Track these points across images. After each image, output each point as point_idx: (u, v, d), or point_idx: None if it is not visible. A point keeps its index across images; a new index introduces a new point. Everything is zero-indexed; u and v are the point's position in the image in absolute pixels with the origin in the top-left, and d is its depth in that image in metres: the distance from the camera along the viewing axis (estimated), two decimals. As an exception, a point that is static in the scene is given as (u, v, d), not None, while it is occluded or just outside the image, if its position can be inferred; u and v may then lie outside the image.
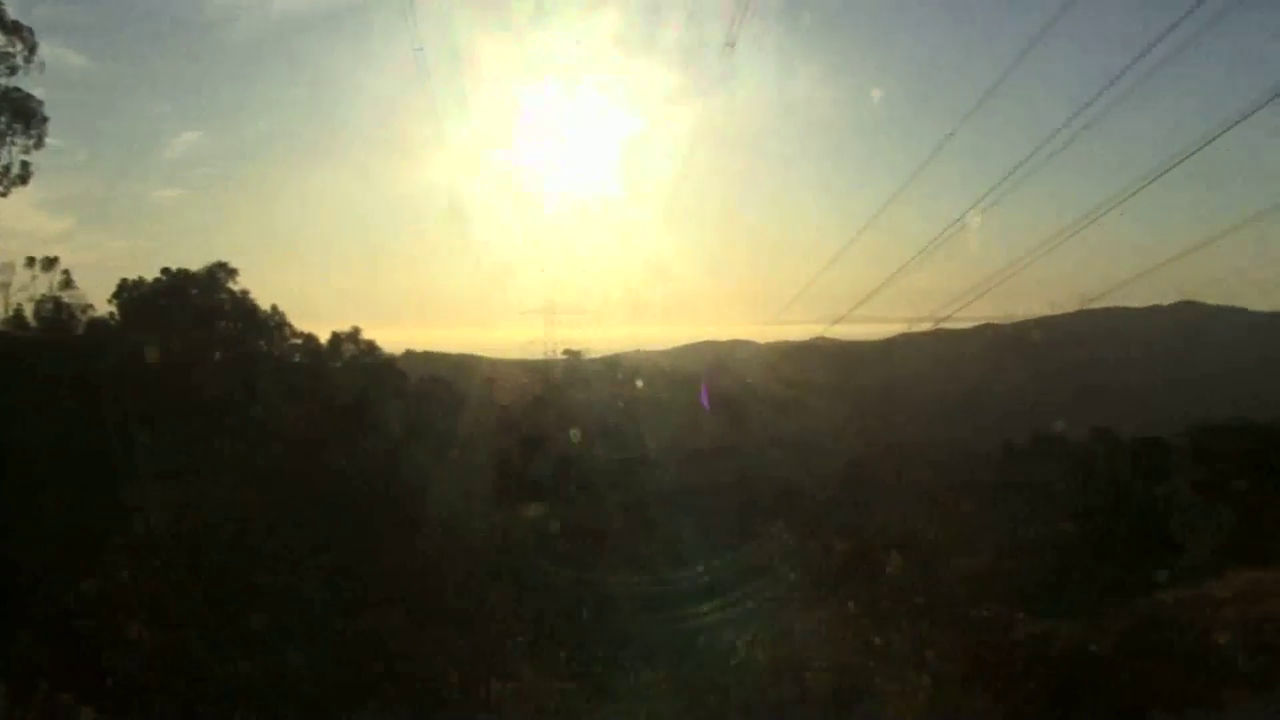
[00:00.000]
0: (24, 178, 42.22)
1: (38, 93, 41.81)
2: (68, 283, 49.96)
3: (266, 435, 40.97)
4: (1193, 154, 17.45)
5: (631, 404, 62.43)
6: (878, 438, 74.74)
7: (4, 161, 41.58)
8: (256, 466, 35.70)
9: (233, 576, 21.34)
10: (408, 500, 37.26)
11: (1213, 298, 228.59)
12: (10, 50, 40.66)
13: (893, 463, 63.75)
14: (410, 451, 44.26)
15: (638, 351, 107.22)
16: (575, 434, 51.33)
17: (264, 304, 55.87)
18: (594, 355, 74.90)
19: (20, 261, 49.09)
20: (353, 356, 58.25)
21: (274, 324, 56.32)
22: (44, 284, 49.53)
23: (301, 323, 57.57)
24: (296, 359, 57.25)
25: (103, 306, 51.88)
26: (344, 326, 58.53)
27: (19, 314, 49.46)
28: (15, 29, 40.74)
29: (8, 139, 41.44)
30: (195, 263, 55.06)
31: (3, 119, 41.04)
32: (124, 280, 53.17)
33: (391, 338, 68.38)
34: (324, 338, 58.12)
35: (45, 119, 42.12)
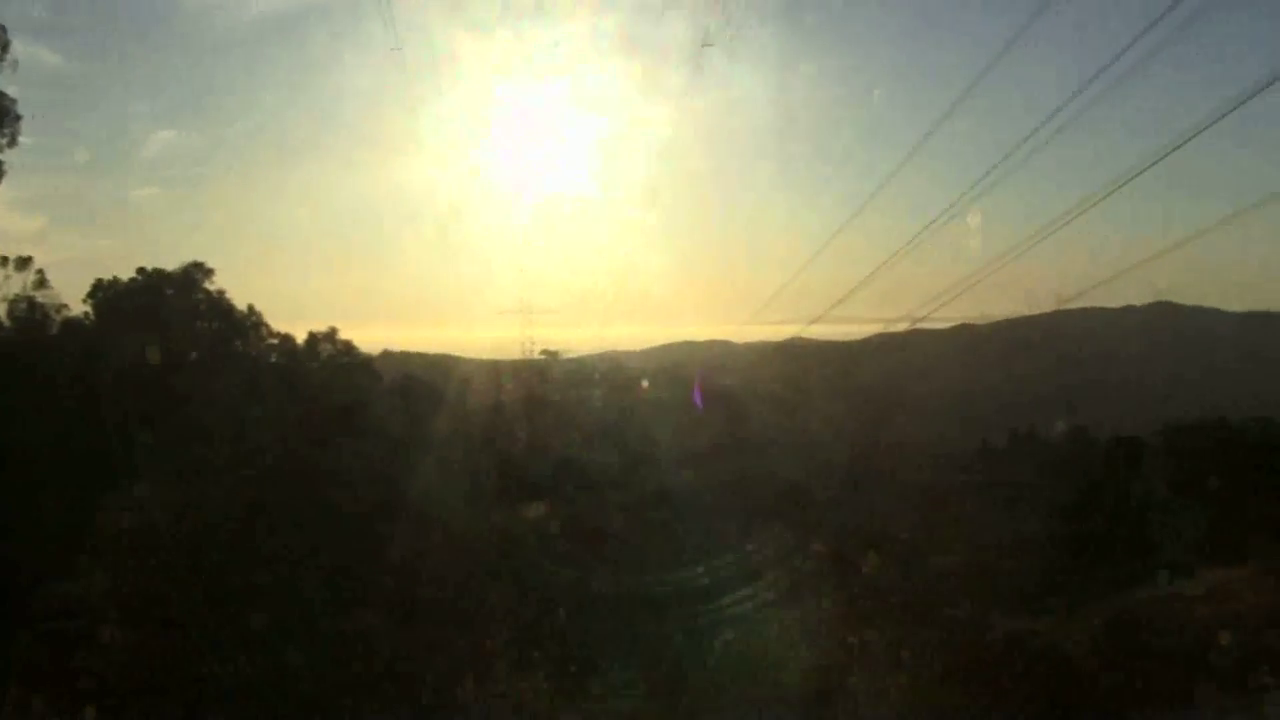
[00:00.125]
0: (-3, 176, 41.82)
1: (11, 91, 41.38)
2: (42, 282, 49.43)
3: (242, 436, 40.75)
4: (1167, 155, 17.51)
5: (608, 404, 62.39)
6: (855, 438, 74.89)
7: (-23, 160, 41.15)
8: (232, 467, 35.49)
9: (205, 578, 21.25)
10: (385, 499, 37.13)
11: (1187, 298, 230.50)
12: (-17, 48, 40.27)
13: (870, 463, 63.91)
14: (387, 449, 44.11)
15: (615, 352, 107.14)
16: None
17: (241, 304, 55.52)
18: (571, 355, 74.68)
19: (-6, 261, 48.55)
20: (330, 356, 57.96)
21: (251, 324, 55.96)
22: (17, 284, 48.94)
23: (278, 323, 57.23)
24: (273, 359, 56.93)
25: (77, 306, 51.40)
26: (321, 326, 58.22)
27: (-8, 314, 48.99)
28: (-13, 27, 40.36)
29: (-19, 137, 41.04)
30: (171, 262, 54.55)
31: (-25, 117, 40.65)
32: (99, 280, 52.69)
33: (369, 337, 68.05)
34: (301, 338, 57.81)
35: (19, 117, 41.70)
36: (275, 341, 57.17)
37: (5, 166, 41.73)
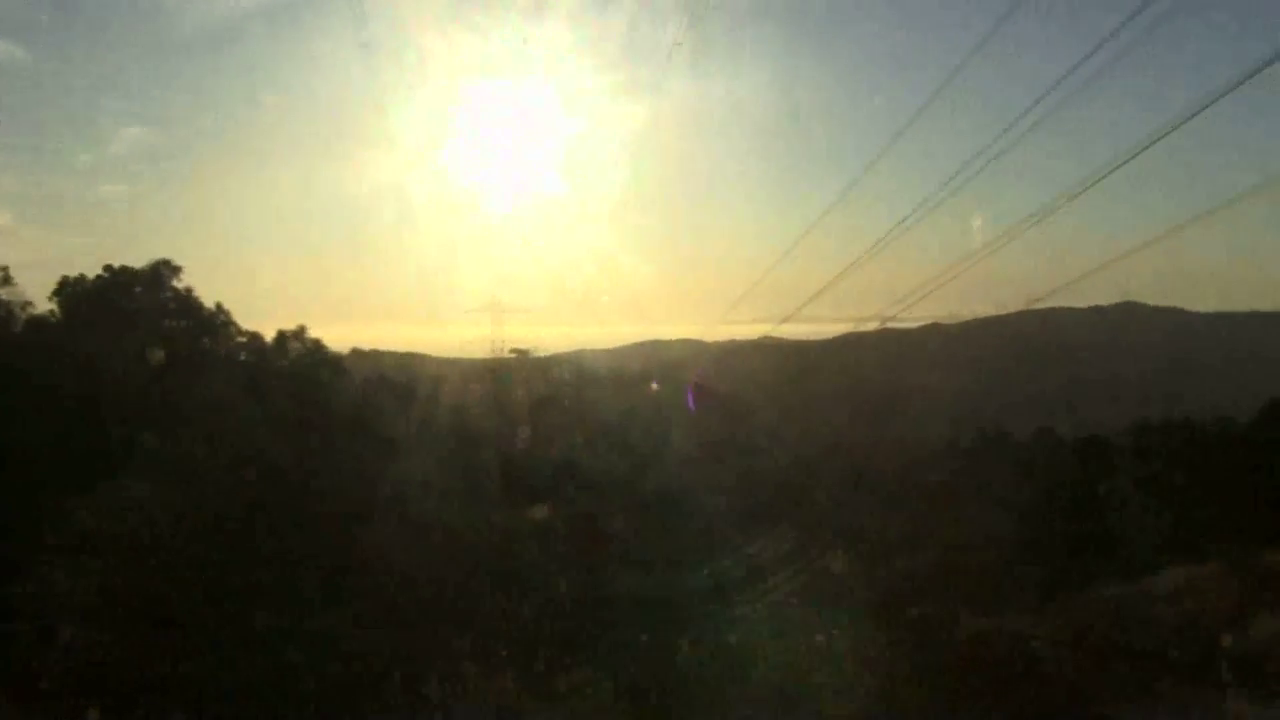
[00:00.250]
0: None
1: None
2: (6, 279, 48.99)
3: (208, 433, 40.50)
4: (1134, 157, 17.69)
5: (577, 403, 62.38)
6: (824, 437, 75.23)
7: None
8: (196, 465, 35.28)
9: (170, 578, 21.12)
10: (354, 498, 37.02)
11: (1153, 298, 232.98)
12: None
13: (841, 461, 64.15)
14: (356, 447, 43.95)
15: (585, 350, 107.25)
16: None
17: (209, 302, 55.21)
18: (541, 354, 74.71)
19: (-43, 258, 48.04)
20: (299, 355, 57.69)
21: (219, 322, 55.66)
22: (-18, 281, 48.57)
23: (247, 321, 56.96)
24: (242, 357, 56.61)
25: (43, 304, 50.97)
26: (290, 325, 57.96)
27: (-45, 312, 48.49)
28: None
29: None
30: (139, 260, 54.23)
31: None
32: (65, 277, 52.25)
33: (338, 336, 67.87)
34: (270, 336, 57.54)
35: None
36: (244, 340, 56.93)
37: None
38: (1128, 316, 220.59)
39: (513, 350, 70.65)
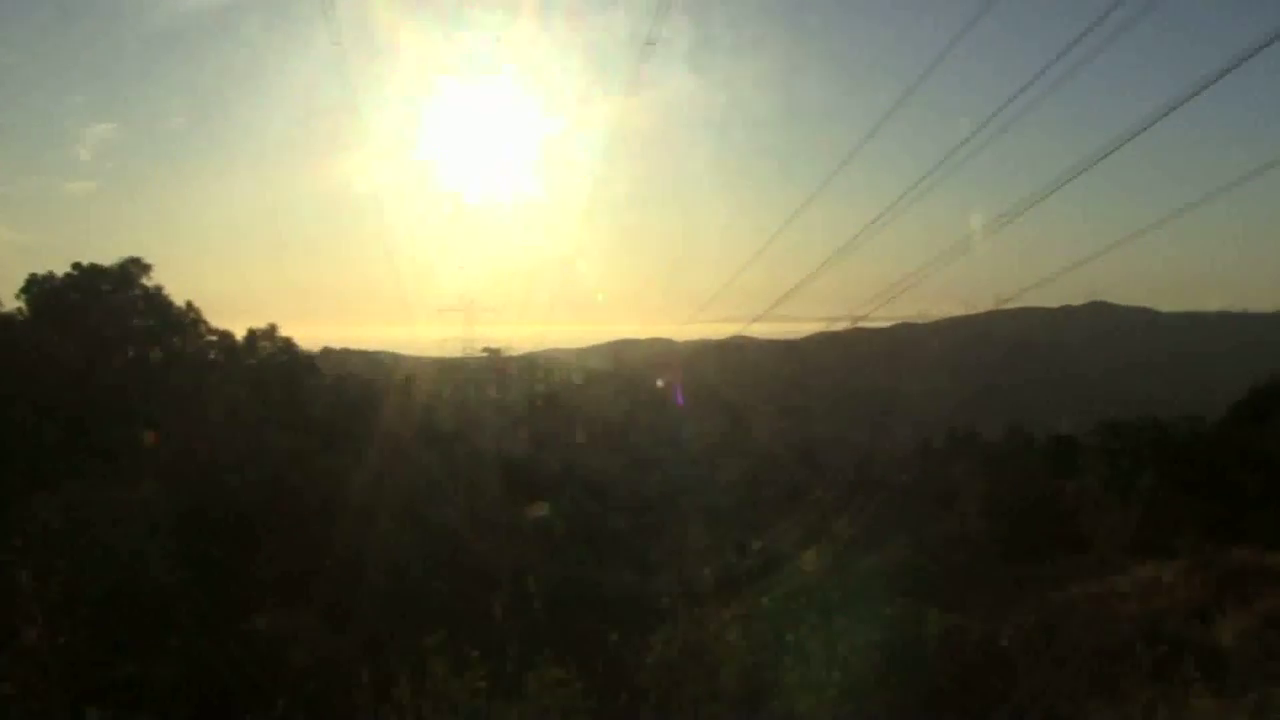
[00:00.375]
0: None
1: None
2: (-28, 277, 48.62)
3: (175, 432, 40.24)
4: (1104, 157, 17.79)
5: (552, 401, 62.39)
6: (794, 436, 75.48)
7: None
8: (164, 464, 35.04)
9: (128, 578, 20.96)
10: (324, 497, 36.86)
11: (1121, 299, 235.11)
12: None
13: (807, 459, 64.42)
14: (328, 446, 43.78)
15: (556, 349, 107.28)
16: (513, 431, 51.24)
17: (179, 300, 54.89)
18: (513, 353, 74.56)
19: (-79, 255, 47.61)
20: (269, 354, 57.45)
21: (188, 320, 55.34)
22: (-54, 279, 48.07)
23: (217, 320, 56.68)
24: (212, 356, 56.31)
25: (10, 302, 50.53)
26: (260, 323, 57.72)
27: (-81, 310, 48.03)
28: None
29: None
30: (108, 258, 53.87)
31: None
32: (33, 275, 51.84)
33: (308, 334, 67.59)
34: (240, 335, 57.28)
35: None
36: (214, 338, 56.64)
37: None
38: (1097, 316, 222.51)
39: (484, 349, 70.44)
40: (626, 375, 77.22)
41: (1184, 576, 27.95)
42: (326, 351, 73.76)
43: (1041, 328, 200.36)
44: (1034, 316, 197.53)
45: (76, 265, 53.03)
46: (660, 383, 74.06)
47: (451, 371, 64.28)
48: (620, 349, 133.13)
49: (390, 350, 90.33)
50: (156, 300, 53.93)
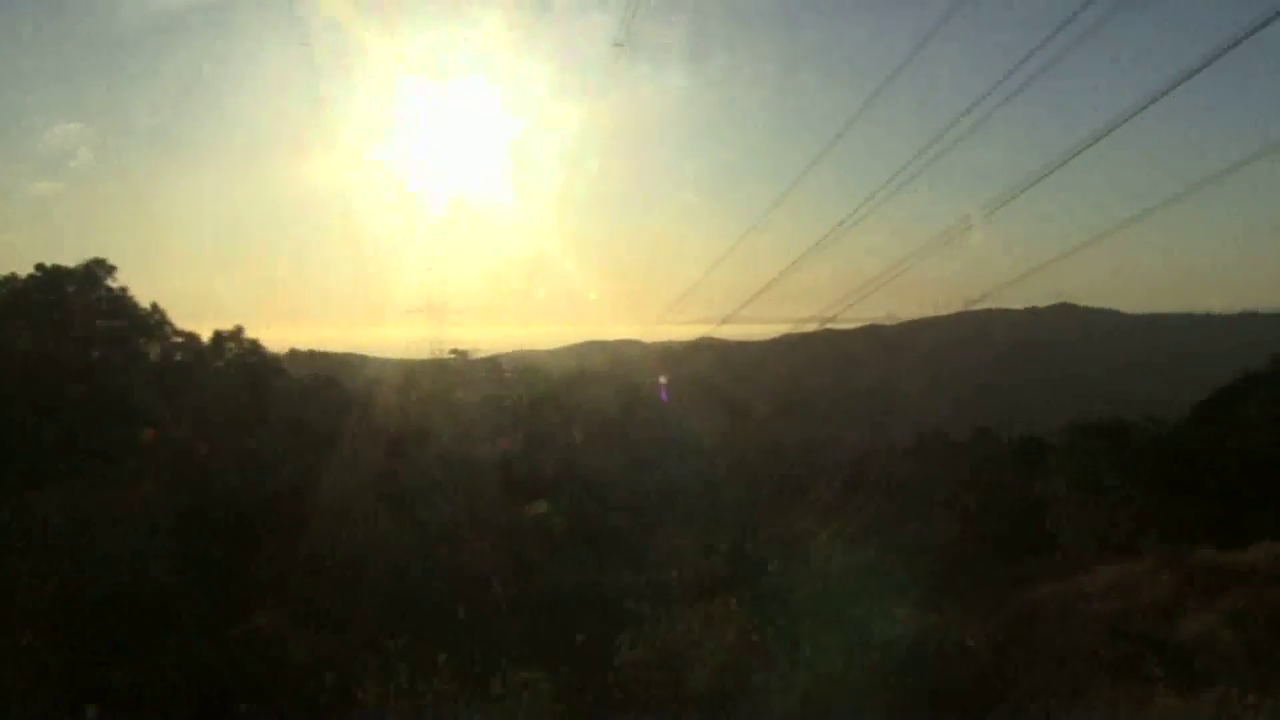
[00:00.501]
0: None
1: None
2: (-65, 277, 48.05)
3: (142, 434, 39.93)
4: (1071, 159, 17.92)
5: (516, 404, 62.18)
6: (763, 438, 75.56)
7: None
8: (131, 466, 34.74)
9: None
10: (291, 500, 36.58)
11: (1088, 300, 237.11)
12: None
13: (776, 462, 64.49)
14: (296, 449, 43.46)
15: (525, 351, 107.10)
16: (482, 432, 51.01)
17: (144, 302, 54.46)
18: (481, 354, 74.21)
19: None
20: (236, 355, 57.04)
21: (154, 322, 54.90)
22: (-95, 279, 47.53)
23: (183, 321, 56.26)
24: (178, 357, 55.86)
25: (-28, 303, 49.98)
26: (227, 325, 57.31)
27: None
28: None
29: None
30: (72, 259, 53.45)
31: None
32: (-5, 276, 51.36)
33: (275, 336, 67.17)
34: (206, 336, 56.85)
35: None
36: (180, 340, 56.19)
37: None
38: (1063, 318, 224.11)
39: (452, 351, 70.09)
40: (599, 376, 77.02)
41: (1149, 575, 28.17)
42: (294, 353, 73.35)
43: (1008, 329, 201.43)
44: (1001, 318, 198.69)
45: (40, 266, 52.59)
46: (641, 384, 74.12)
47: (416, 373, 63.92)
48: (590, 350, 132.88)
49: (358, 352, 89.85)
50: (121, 302, 53.51)
